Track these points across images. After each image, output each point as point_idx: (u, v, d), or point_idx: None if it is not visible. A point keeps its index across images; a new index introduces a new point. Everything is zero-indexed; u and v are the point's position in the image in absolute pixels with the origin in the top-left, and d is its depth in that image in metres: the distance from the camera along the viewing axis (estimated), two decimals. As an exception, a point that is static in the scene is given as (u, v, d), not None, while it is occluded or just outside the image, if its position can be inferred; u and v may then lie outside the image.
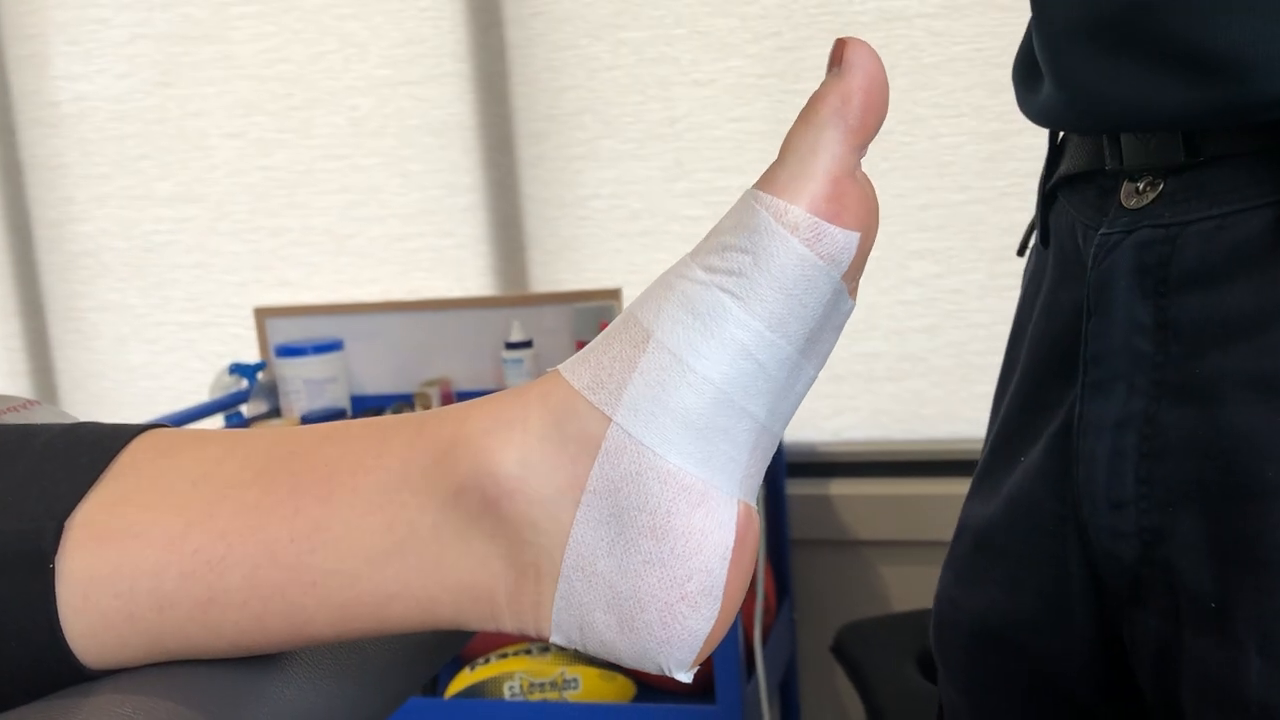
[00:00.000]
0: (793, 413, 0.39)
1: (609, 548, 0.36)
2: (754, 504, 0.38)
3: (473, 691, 1.58)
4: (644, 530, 0.36)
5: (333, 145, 2.02)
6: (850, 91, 0.36)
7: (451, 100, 1.95)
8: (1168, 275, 0.52)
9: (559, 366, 0.38)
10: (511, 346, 1.78)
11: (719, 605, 0.37)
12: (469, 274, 2.00)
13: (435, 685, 1.67)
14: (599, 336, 0.38)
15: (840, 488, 1.86)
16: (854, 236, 0.36)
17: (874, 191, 0.38)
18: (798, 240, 0.36)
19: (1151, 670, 0.55)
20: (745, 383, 0.36)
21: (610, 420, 0.36)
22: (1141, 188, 0.54)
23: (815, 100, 0.36)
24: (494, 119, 1.95)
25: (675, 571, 0.36)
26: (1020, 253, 0.72)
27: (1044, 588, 0.60)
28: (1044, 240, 0.63)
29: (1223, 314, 0.50)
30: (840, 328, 0.40)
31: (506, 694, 1.56)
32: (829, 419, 1.89)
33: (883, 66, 0.36)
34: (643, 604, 0.36)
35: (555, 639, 0.37)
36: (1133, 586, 0.55)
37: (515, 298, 1.86)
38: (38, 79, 2.15)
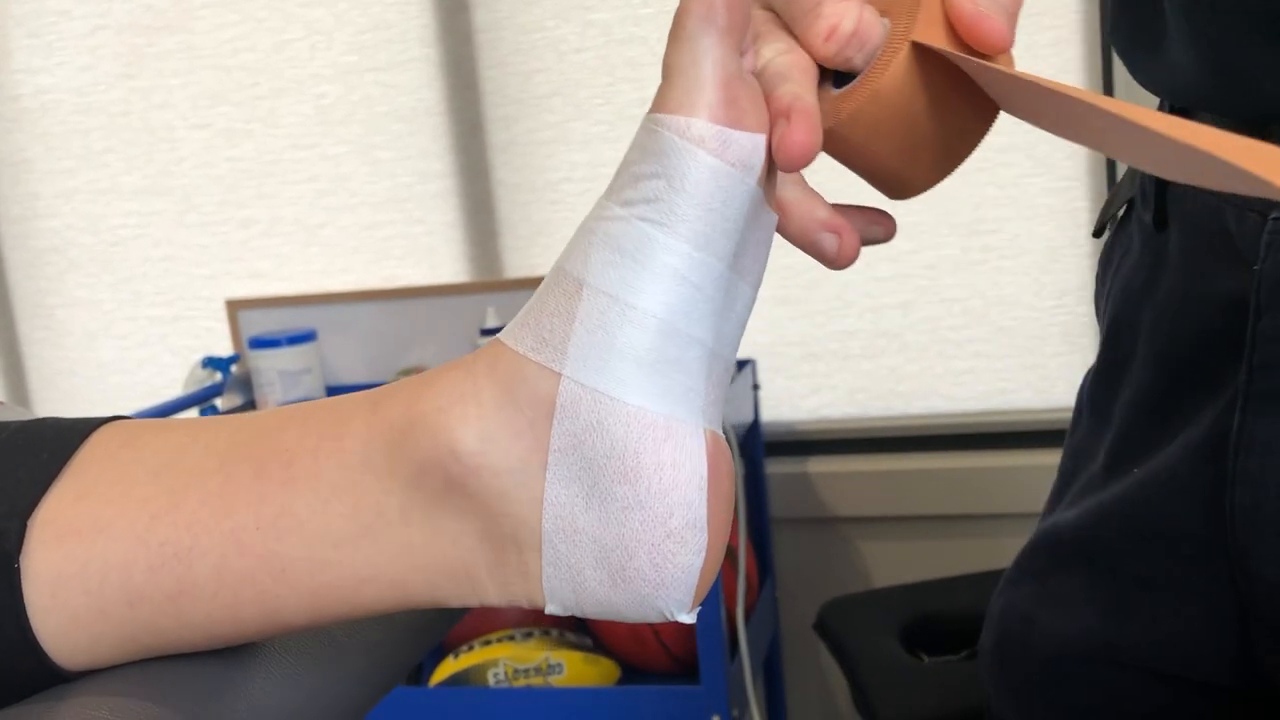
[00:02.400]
0: (738, 336, 0.39)
1: (585, 503, 0.36)
2: (720, 431, 0.38)
3: (457, 679, 1.58)
4: (616, 476, 0.35)
5: (300, 134, 2.00)
6: None
7: (419, 86, 1.94)
8: None
9: (499, 336, 0.37)
10: (487, 333, 1.77)
11: (705, 536, 0.36)
12: (442, 261, 1.99)
13: (419, 674, 1.67)
14: (532, 298, 0.37)
15: (819, 465, 1.87)
16: (759, 138, 0.36)
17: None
18: (705, 152, 0.35)
19: None
20: (686, 309, 0.36)
21: (560, 375, 0.35)
22: None
23: (680, 16, 0.36)
24: (463, 104, 1.93)
25: (655, 510, 0.35)
26: (1097, 234, 0.66)
27: (1173, 617, 0.54)
28: (1160, 223, 0.57)
29: None
30: (768, 243, 0.39)
31: (491, 681, 1.56)
32: (806, 397, 1.89)
33: None
34: (630, 551, 0.36)
35: (551, 608, 0.37)
36: None
37: (489, 284, 1.85)
38: (-2, 73, 2.12)
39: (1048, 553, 0.62)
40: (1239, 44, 0.49)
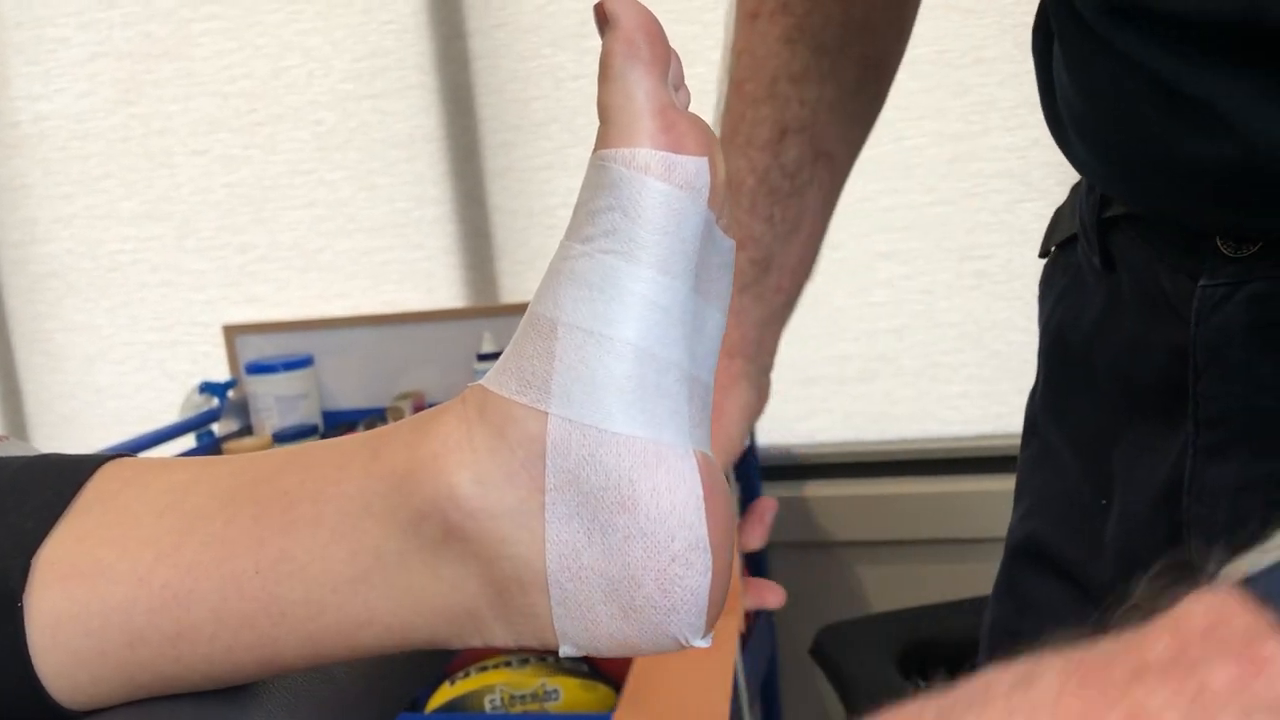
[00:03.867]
0: (713, 360, 0.40)
1: (588, 538, 0.36)
2: (709, 453, 0.38)
3: (454, 706, 1.58)
4: (614, 507, 0.36)
5: (298, 160, 2.01)
6: (629, 34, 0.37)
7: (417, 112, 1.95)
8: None
9: (481, 382, 0.38)
10: (484, 358, 1.78)
11: (709, 557, 0.36)
12: (439, 286, 1.99)
13: (415, 700, 1.67)
14: (509, 346, 0.38)
15: (815, 490, 1.87)
16: (702, 161, 0.37)
17: (702, 119, 0.39)
18: (653, 178, 0.36)
19: None
20: (659, 333, 0.37)
21: (547, 414, 0.36)
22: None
23: (605, 57, 0.37)
24: (460, 130, 1.94)
25: (657, 536, 0.36)
26: (1043, 255, 0.67)
27: None
28: (1108, 265, 0.59)
29: None
30: (729, 267, 0.40)
31: (488, 707, 1.56)
32: (802, 421, 1.90)
33: (642, 4, 0.37)
34: (637, 580, 0.36)
35: (565, 650, 0.37)
36: None
37: (486, 309, 1.86)
38: (-3, 100, 2.13)
39: (1027, 566, 0.64)
40: (1125, 146, 0.50)
